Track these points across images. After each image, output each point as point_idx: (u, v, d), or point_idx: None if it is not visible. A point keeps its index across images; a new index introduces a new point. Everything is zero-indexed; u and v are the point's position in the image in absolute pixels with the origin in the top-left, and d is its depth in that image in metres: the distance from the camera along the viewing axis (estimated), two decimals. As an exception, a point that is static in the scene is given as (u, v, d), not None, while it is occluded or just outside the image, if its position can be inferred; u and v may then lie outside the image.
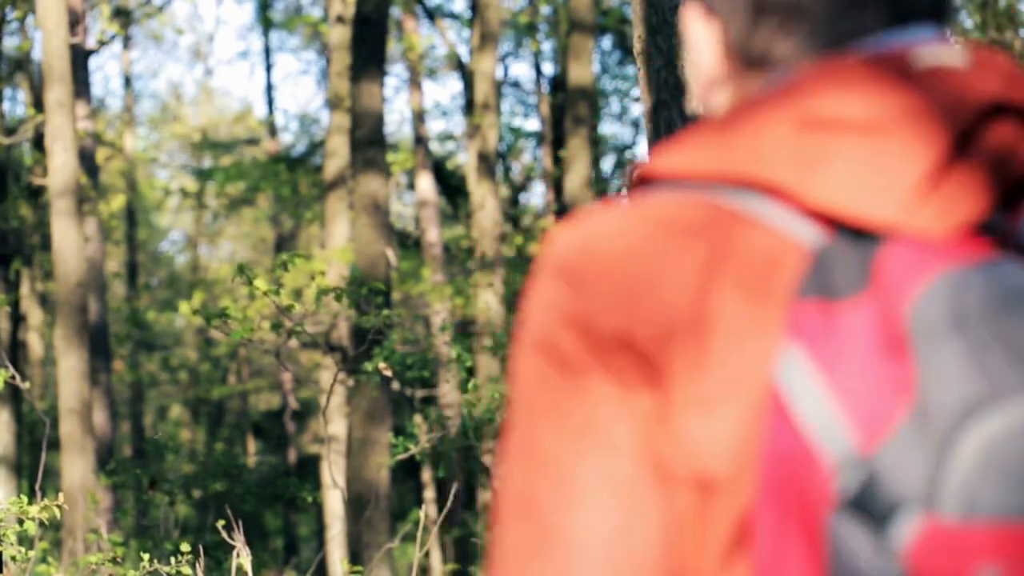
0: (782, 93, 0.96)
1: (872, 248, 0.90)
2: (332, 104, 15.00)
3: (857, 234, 0.91)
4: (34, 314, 17.56)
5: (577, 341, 0.93)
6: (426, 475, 16.27)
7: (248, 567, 4.74)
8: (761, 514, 0.88)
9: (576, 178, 13.55)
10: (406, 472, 18.35)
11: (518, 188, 22.86)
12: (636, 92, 22.23)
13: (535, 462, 0.94)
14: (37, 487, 6.13)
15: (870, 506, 0.83)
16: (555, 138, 19.76)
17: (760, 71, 1.02)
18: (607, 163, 22.84)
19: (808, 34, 1.00)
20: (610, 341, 0.92)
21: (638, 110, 22.97)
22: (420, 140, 17.87)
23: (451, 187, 20.71)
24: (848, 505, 0.84)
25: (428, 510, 11.43)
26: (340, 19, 14.94)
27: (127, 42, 21.47)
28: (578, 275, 0.94)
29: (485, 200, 14.28)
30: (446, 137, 22.41)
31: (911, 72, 0.94)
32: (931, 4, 1.01)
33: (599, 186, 21.56)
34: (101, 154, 19.07)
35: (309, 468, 22.32)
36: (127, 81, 22.03)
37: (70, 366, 9.05)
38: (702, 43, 1.06)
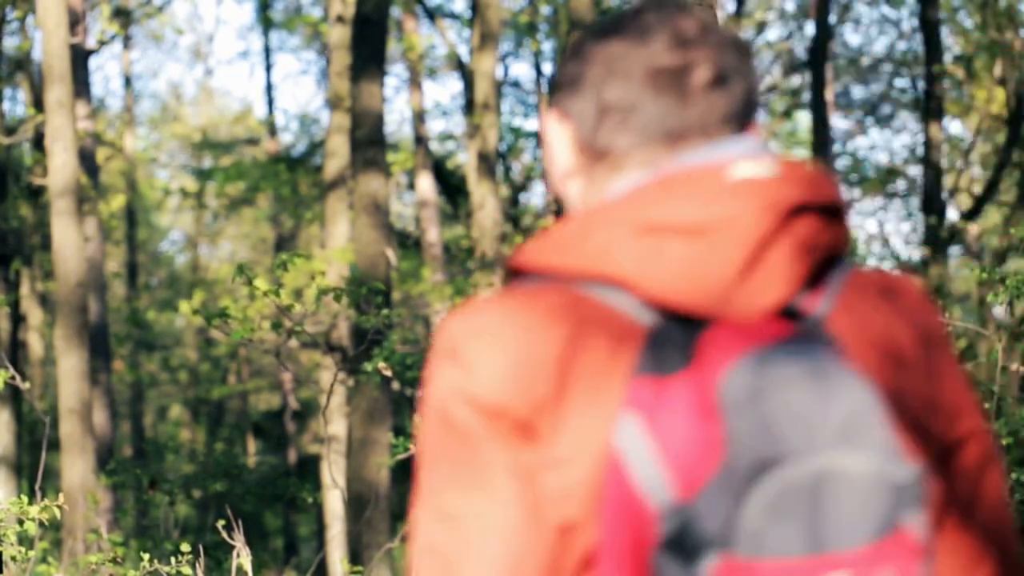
0: (624, 200, 1.19)
1: (697, 330, 1.13)
2: (332, 104, 14.99)
3: (685, 319, 1.14)
4: (34, 314, 17.55)
5: (468, 412, 1.16)
6: (426, 475, 16.25)
7: (248, 567, 4.74)
8: (603, 550, 1.11)
9: (576, 178, 13.55)
10: (406, 472, 18.31)
11: (518, 188, 22.85)
12: (636, 92, 22.22)
13: (439, 515, 1.15)
14: (37, 487, 6.12)
15: (684, 546, 1.06)
16: (555, 138, 19.76)
17: (603, 163, 1.27)
18: (607, 163, 22.85)
19: (642, 130, 1.24)
20: (493, 411, 1.15)
21: (638, 110, 22.96)
22: (420, 140, 17.87)
23: (451, 187, 20.70)
24: (668, 545, 1.07)
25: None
26: (340, 19, 14.93)
27: (127, 42, 21.46)
28: (464, 359, 1.17)
29: (485, 200, 14.27)
30: (446, 137, 22.40)
31: (727, 183, 1.17)
32: (743, 110, 1.27)
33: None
34: (101, 154, 19.06)
35: (309, 468, 22.30)
36: (127, 81, 22.02)
37: (70, 366, 9.04)
38: (558, 141, 1.32)
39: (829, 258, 1.22)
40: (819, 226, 1.19)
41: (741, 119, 1.28)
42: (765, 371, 1.09)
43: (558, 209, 18.56)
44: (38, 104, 14.52)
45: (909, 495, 1.12)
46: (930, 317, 1.31)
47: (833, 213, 1.22)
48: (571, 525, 1.14)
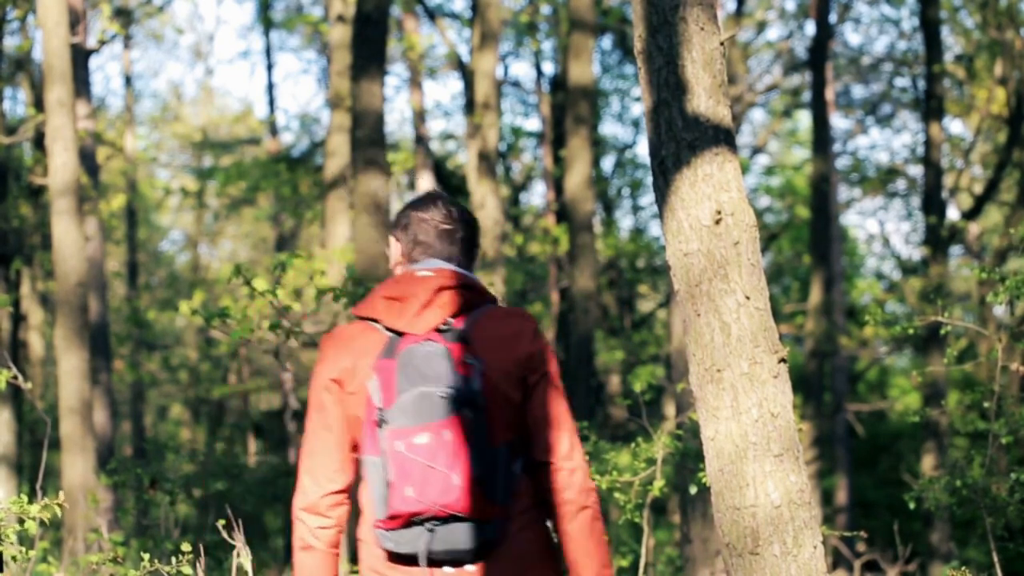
0: (384, 285, 3.23)
1: (401, 338, 3.13)
2: (333, 103, 15.00)
3: (399, 333, 3.14)
4: (34, 314, 17.56)
5: (322, 377, 3.22)
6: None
7: (248, 567, 4.74)
8: (364, 423, 3.13)
9: (576, 178, 13.54)
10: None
11: (518, 187, 22.86)
12: (636, 92, 22.23)
13: (311, 424, 3.24)
14: (38, 486, 6.12)
15: (380, 423, 3.05)
16: (555, 138, 19.76)
17: (410, 262, 3.30)
18: (607, 163, 22.85)
19: (426, 252, 3.29)
20: (332, 379, 3.20)
21: (638, 110, 22.98)
22: (420, 140, 17.87)
23: (451, 187, 20.70)
24: (377, 423, 3.06)
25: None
26: (340, 18, 14.93)
27: (127, 42, 21.48)
28: (322, 355, 3.24)
29: (485, 199, 14.28)
30: (446, 137, 22.41)
31: (416, 278, 3.20)
32: (460, 246, 3.31)
33: (599, 186, 21.57)
34: (101, 154, 19.07)
35: (309, 468, 22.26)
36: (127, 81, 22.03)
37: (70, 366, 9.05)
38: (394, 248, 3.35)
39: (468, 304, 3.19)
40: (451, 295, 3.16)
41: (467, 247, 3.36)
42: (412, 351, 3.07)
43: (558, 209, 18.57)
44: (38, 104, 14.53)
45: (457, 402, 3.02)
46: (522, 325, 3.23)
47: (464, 287, 3.19)
48: (355, 414, 3.16)
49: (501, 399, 3.12)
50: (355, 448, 3.18)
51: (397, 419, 3.00)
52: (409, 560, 3.08)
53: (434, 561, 3.06)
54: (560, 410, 3.19)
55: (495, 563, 3.10)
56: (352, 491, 3.24)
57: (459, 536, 3.03)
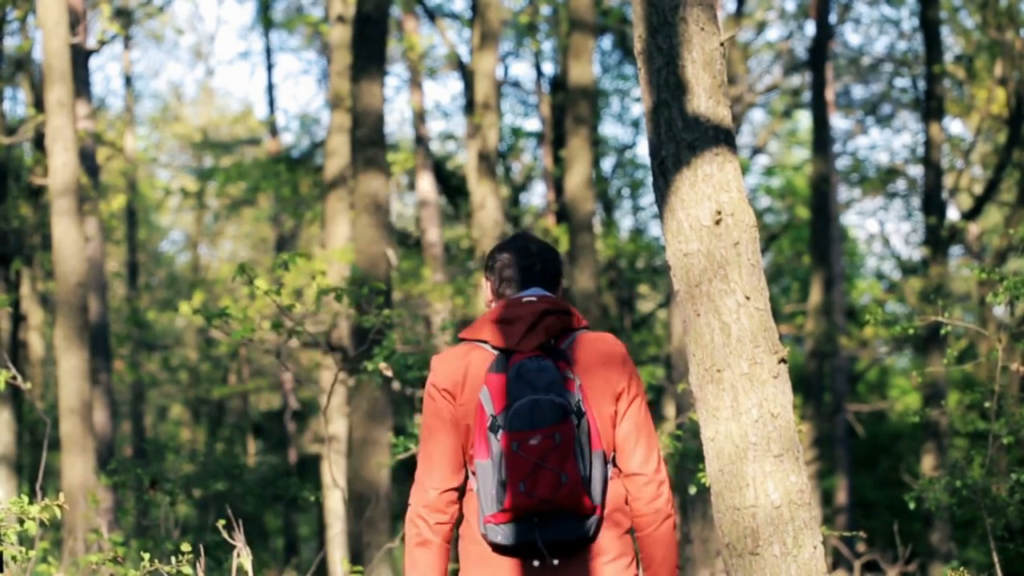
0: (492, 311, 3.65)
1: (511, 355, 3.54)
2: (333, 104, 15.00)
3: (507, 352, 3.56)
4: (34, 314, 17.56)
5: (436, 389, 3.63)
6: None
7: (249, 567, 4.74)
8: (475, 434, 3.53)
9: (576, 178, 13.54)
10: (406, 472, 18.31)
11: (518, 188, 22.85)
12: (636, 92, 22.22)
13: (424, 432, 3.67)
14: (38, 487, 6.13)
15: (494, 427, 3.46)
16: (555, 138, 19.75)
17: (501, 299, 3.72)
18: (607, 163, 22.84)
19: (511, 286, 3.70)
20: (442, 389, 3.61)
21: (638, 110, 22.97)
22: (420, 140, 17.87)
23: (451, 187, 20.70)
24: (490, 427, 3.47)
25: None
26: (341, 19, 14.93)
27: (127, 42, 21.47)
28: (434, 370, 3.65)
29: (485, 200, 14.28)
30: (446, 137, 22.40)
31: (523, 303, 3.62)
32: (540, 278, 3.71)
33: (599, 186, 21.56)
34: (101, 154, 19.06)
35: (309, 468, 22.32)
36: (127, 81, 22.03)
37: (70, 366, 9.05)
38: (485, 287, 3.79)
39: (565, 329, 3.60)
40: (554, 319, 3.58)
41: (552, 278, 3.75)
42: (523, 365, 3.48)
43: (558, 209, 18.57)
44: (38, 104, 14.53)
45: (565, 410, 3.42)
46: (614, 348, 3.62)
47: (563, 313, 3.60)
48: (468, 425, 3.56)
49: (596, 412, 3.55)
50: (464, 454, 3.60)
51: (511, 423, 3.40)
52: (513, 552, 3.49)
53: (538, 552, 3.47)
54: (649, 428, 3.61)
55: (584, 557, 3.51)
56: (461, 492, 3.65)
57: (563, 529, 3.44)
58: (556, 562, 3.48)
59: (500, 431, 3.41)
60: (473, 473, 3.54)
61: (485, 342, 3.58)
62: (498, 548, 3.49)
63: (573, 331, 3.62)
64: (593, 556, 3.52)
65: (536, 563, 3.48)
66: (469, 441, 3.54)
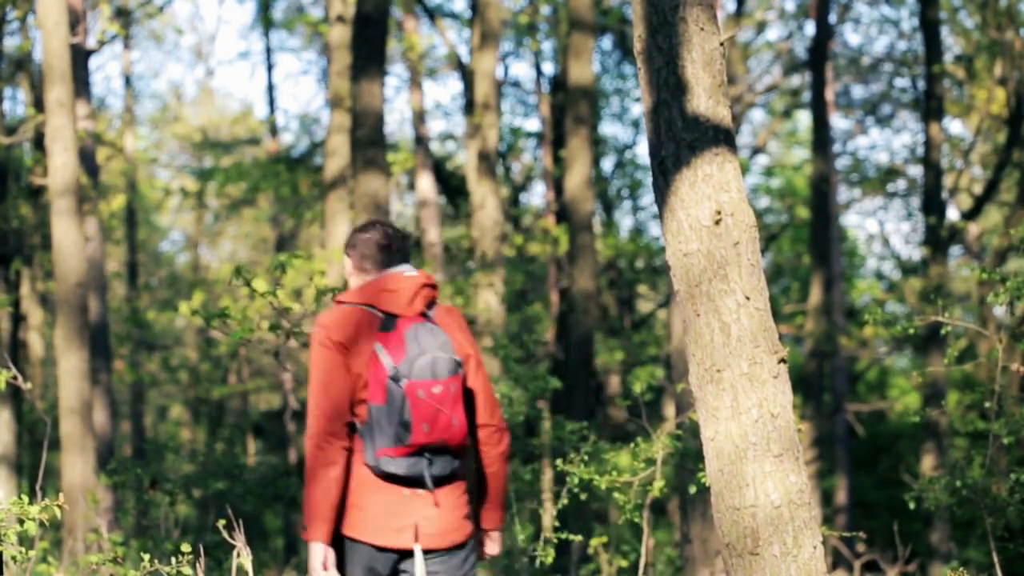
0: (374, 282, 4.29)
1: (396, 319, 4.22)
2: (333, 104, 14.99)
3: (393, 315, 4.23)
4: (34, 314, 17.55)
5: (331, 341, 4.18)
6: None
7: (249, 567, 4.74)
8: (370, 382, 4.14)
9: (576, 178, 13.54)
10: (406, 472, 18.31)
11: (518, 188, 22.84)
12: (636, 92, 22.22)
13: (316, 379, 4.18)
14: (37, 487, 6.13)
15: (396, 378, 4.09)
16: (555, 138, 19.75)
17: (362, 273, 4.37)
18: (607, 163, 22.85)
19: (375, 264, 4.34)
20: (336, 342, 4.18)
21: (638, 110, 22.97)
22: (420, 140, 17.87)
23: (451, 187, 20.70)
24: (391, 378, 4.10)
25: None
26: (340, 19, 14.93)
27: (127, 42, 21.47)
28: (327, 327, 4.20)
29: (485, 200, 14.27)
30: (446, 137, 22.40)
31: (405, 276, 4.28)
32: (400, 258, 4.37)
33: (599, 186, 21.56)
34: (101, 154, 19.07)
35: (309, 468, 22.23)
36: (127, 81, 22.02)
37: (70, 366, 9.05)
38: (348, 262, 4.42)
39: (432, 300, 4.30)
40: (429, 291, 4.28)
41: (406, 257, 4.35)
42: (416, 328, 4.17)
43: (558, 209, 18.56)
44: (38, 104, 14.52)
45: (458, 365, 4.16)
46: (462, 318, 4.41)
47: (434, 287, 4.30)
48: (359, 373, 4.15)
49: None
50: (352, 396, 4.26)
51: (418, 374, 4.09)
52: (403, 481, 4.17)
53: (422, 482, 4.18)
54: (488, 382, 4.39)
55: (450, 486, 4.25)
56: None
57: (447, 464, 4.18)
58: (434, 490, 4.17)
59: (404, 380, 4.08)
60: (356, 415, 4.17)
61: (371, 306, 4.21)
62: (388, 477, 4.16)
63: (434, 302, 4.36)
64: (455, 486, 4.26)
65: (421, 491, 4.16)
66: (359, 386, 4.15)
